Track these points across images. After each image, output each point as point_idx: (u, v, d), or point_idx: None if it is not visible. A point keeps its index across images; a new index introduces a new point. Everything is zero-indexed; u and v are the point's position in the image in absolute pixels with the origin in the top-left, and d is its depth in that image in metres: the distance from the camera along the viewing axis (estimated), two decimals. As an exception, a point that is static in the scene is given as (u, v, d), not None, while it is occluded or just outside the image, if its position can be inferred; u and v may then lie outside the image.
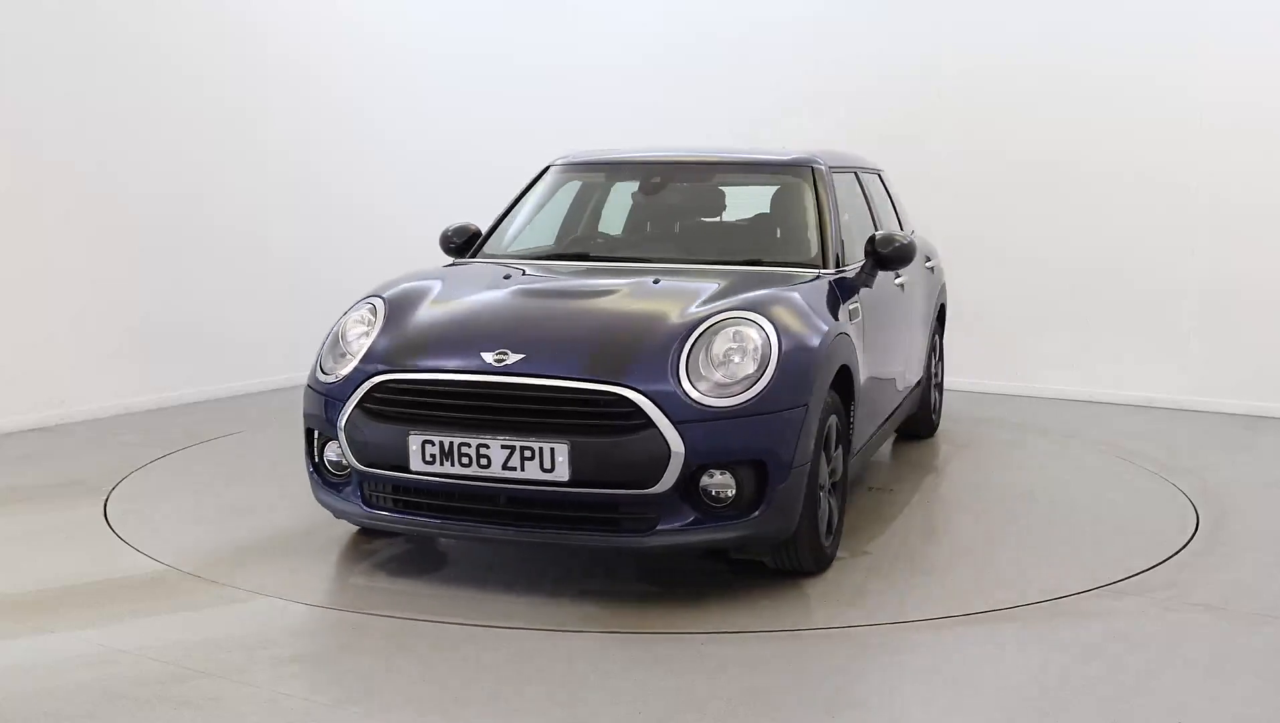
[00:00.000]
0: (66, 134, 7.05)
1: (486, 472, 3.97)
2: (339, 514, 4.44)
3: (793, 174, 5.38)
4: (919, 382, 6.33)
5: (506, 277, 4.82)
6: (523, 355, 4.03)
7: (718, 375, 4.00)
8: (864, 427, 4.98)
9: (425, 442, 4.01)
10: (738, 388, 3.97)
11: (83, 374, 7.15)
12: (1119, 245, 7.85)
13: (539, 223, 5.63)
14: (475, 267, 5.17)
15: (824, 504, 4.33)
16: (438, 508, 4.15)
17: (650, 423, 3.86)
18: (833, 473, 4.45)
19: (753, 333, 4.09)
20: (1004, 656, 3.75)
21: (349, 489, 4.33)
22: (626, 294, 4.54)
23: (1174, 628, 3.99)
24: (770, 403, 3.97)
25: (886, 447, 6.48)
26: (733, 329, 4.09)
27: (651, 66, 9.17)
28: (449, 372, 4.09)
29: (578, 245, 5.52)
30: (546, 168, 5.80)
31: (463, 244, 5.49)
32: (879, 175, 6.41)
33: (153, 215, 7.51)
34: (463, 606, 4.11)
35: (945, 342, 7.17)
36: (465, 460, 3.98)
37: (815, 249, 4.99)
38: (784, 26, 8.78)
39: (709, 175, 5.68)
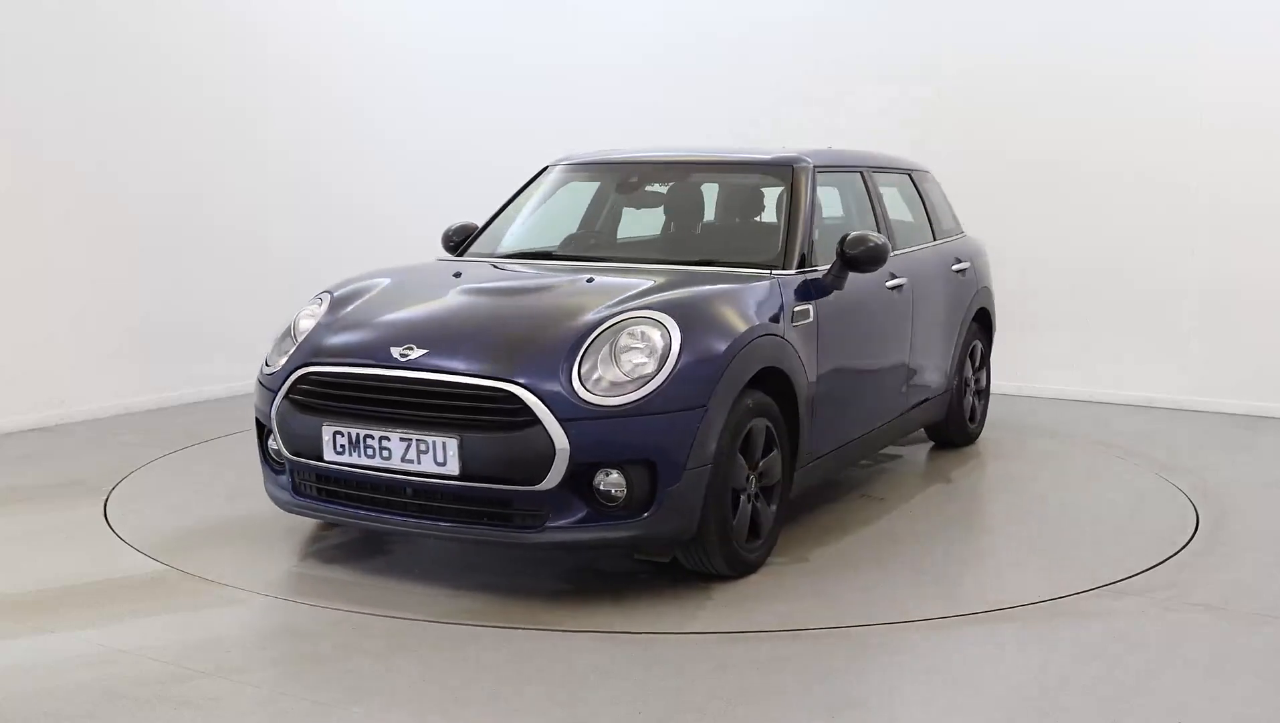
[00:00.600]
0: (66, 134, 7.05)
1: (388, 464, 4.09)
2: (278, 503, 4.57)
3: (769, 174, 5.34)
4: (943, 389, 6.17)
5: (457, 275, 4.90)
6: (426, 351, 4.14)
7: (615, 374, 4.01)
8: (831, 433, 4.91)
9: (336, 432, 4.17)
10: (631, 387, 3.98)
11: (83, 374, 7.15)
12: (1119, 245, 7.85)
13: (530, 222, 5.65)
14: (435, 265, 5.27)
15: (743, 509, 4.28)
16: (353, 498, 4.27)
17: (536, 420, 3.89)
18: (760, 477, 4.38)
19: (655, 333, 4.09)
20: (1004, 656, 3.75)
21: (284, 477, 4.49)
22: (552, 293, 4.60)
23: (1174, 628, 3.99)
24: (662, 403, 3.97)
25: (915, 454, 6.44)
26: (638, 328, 4.11)
27: (651, 66, 9.16)
28: (357, 365, 4.24)
29: (549, 244, 5.54)
30: (544, 169, 5.82)
31: (460, 243, 5.58)
32: (910, 176, 6.37)
33: (153, 215, 7.51)
34: (463, 606, 4.11)
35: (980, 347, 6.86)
36: (370, 452, 4.12)
37: (777, 250, 4.90)
38: (784, 26, 8.78)
39: (686, 175, 5.63)
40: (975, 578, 4.43)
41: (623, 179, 5.72)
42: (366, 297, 4.66)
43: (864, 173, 5.77)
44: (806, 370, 4.64)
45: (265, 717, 3.28)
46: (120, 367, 7.33)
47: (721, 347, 4.16)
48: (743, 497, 4.29)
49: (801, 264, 4.84)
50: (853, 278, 4.99)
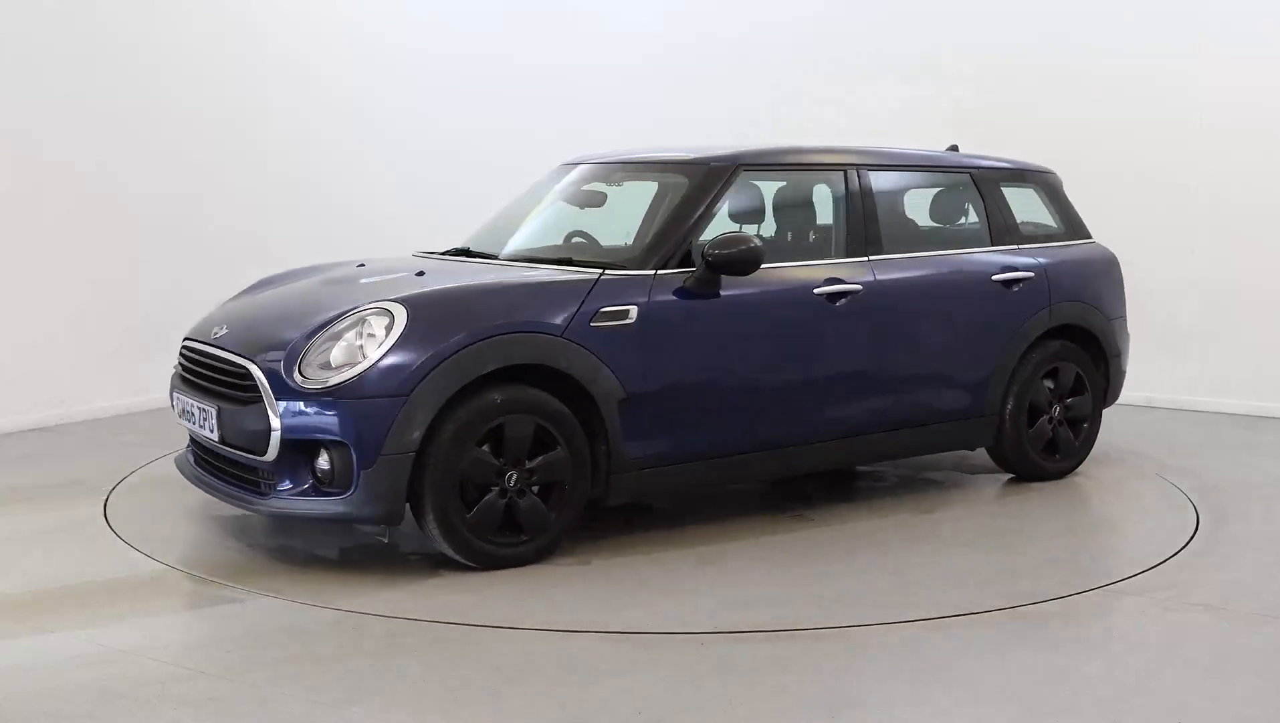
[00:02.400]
0: (66, 134, 7.04)
1: (195, 428, 4.74)
2: (183, 474, 5.04)
3: (681, 174, 5.19)
4: (976, 413, 5.54)
5: (360, 265, 5.25)
6: (227, 331, 4.72)
7: (332, 359, 4.29)
8: (681, 442, 4.75)
9: (179, 398, 4.90)
10: (338, 373, 4.25)
11: (83, 374, 7.15)
12: (1119, 245, 7.81)
13: (498, 220, 5.76)
14: (352, 260, 5.49)
15: (488, 502, 4.37)
16: (203, 461, 4.85)
17: (259, 396, 4.33)
18: (532, 475, 4.42)
19: (381, 323, 4.32)
20: (1004, 656, 3.75)
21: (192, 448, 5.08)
22: (366, 284, 4.85)
23: (1174, 628, 3.99)
24: (362, 389, 4.21)
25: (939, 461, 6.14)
26: (369, 318, 4.35)
27: (651, 66, 9.16)
28: (193, 340, 4.94)
29: (477, 243, 5.58)
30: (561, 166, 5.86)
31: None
32: (971, 176, 5.84)
33: (153, 215, 7.51)
34: (462, 606, 4.11)
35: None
36: (189, 418, 4.78)
37: (639, 250, 4.89)
38: (784, 26, 8.78)
39: (633, 176, 5.60)
40: (975, 578, 4.43)
41: (575, 180, 5.70)
42: (269, 285, 5.28)
43: (852, 172, 5.35)
44: (616, 373, 4.56)
45: (265, 717, 3.28)
46: (120, 367, 7.32)
47: (443, 340, 4.28)
48: (495, 491, 4.38)
49: (668, 265, 4.76)
50: (758, 284, 4.88)
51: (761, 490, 5.69)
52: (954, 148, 6.28)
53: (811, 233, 5.65)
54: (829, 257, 5.29)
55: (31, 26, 6.87)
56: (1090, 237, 6.21)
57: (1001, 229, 5.81)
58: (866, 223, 5.33)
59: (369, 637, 3.86)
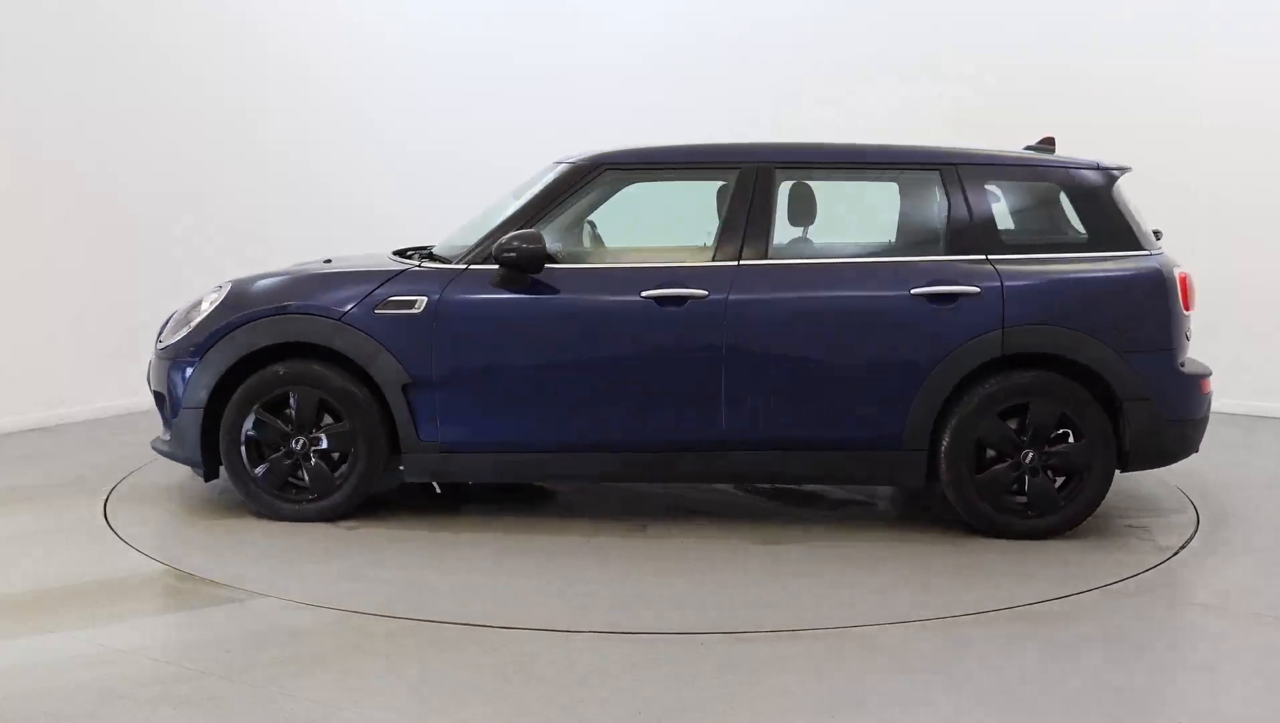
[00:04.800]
0: (66, 134, 7.04)
1: None
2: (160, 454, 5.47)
3: (565, 170, 5.19)
4: (886, 445, 4.88)
5: (327, 261, 5.58)
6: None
7: (176, 325, 5.25)
8: (483, 430, 4.94)
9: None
10: (174, 336, 5.18)
11: (83, 374, 7.15)
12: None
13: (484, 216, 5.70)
14: (348, 254, 5.85)
15: (276, 462, 5.04)
16: None
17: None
18: (316, 442, 5.01)
19: (212, 298, 5.18)
20: (1004, 656, 3.75)
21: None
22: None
23: (1174, 628, 3.99)
24: (176, 352, 5.12)
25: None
26: (212, 293, 5.22)
27: (651, 66, 9.16)
28: None
29: (456, 236, 5.61)
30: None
31: None
32: (943, 172, 5.06)
33: (153, 215, 7.51)
34: (463, 606, 4.11)
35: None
36: None
37: (466, 245, 5.13)
38: (784, 26, 8.78)
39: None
40: (975, 578, 4.43)
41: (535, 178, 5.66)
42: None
43: (753, 171, 5.02)
44: (399, 358, 4.92)
45: (265, 717, 3.28)
46: (120, 367, 7.31)
47: (234, 315, 5.04)
48: (282, 452, 5.05)
49: (486, 261, 4.95)
50: (579, 284, 4.95)
51: (764, 492, 5.69)
52: (1049, 141, 5.52)
53: (682, 235, 5.50)
54: (703, 260, 4.99)
55: (31, 26, 6.87)
56: (1143, 248, 5.02)
57: (964, 234, 4.98)
58: (748, 225, 4.97)
59: (369, 637, 3.86)
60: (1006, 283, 4.88)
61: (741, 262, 4.94)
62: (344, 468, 5.03)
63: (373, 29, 8.92)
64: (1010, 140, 8.09)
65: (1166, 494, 5.64)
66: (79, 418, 7.08)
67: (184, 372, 5.07)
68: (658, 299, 4.88)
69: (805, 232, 5.41)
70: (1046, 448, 4.87)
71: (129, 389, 7.33)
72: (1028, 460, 4.86)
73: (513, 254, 4.83)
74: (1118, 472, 4.98)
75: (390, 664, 3.64)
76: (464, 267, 5.00)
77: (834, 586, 4.36)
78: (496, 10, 9.52)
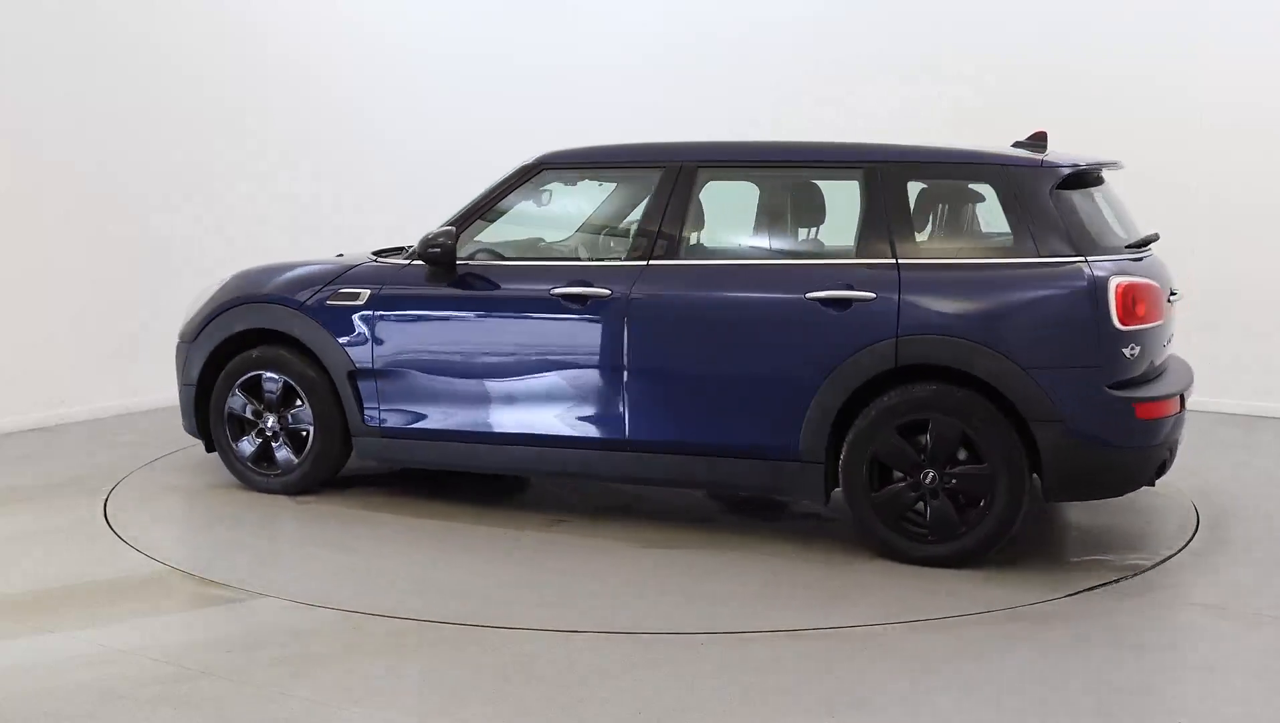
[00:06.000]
0: (66, 134, 7.04)
1: None
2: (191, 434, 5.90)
3: (508, 172, 5.32)
4: (771, 454, 4.70)
5: (339, 256, 5.78)
6: None
7: (189, 311, 5.74)
8: (424, 417, 5.19)
9: None
10: (182, 321, 5.77)
11: (83, 374, 7.15)
12: (1119, 245, 7.85)
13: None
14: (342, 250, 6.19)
15: (252, 440, 5.50)
16: None
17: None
18: (283, 422, 5.48)
19: (216, 285, 5.70)
20: (1004, 656, 3.75)
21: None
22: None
23: (1174, 628, 3.99)
24: (184, 334, 5.70)
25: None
26: (220, 281, 5.70)
27: (651, 66, 9.16)
28: None
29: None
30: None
31: None
32: (866, 171, 4.77)
33: (153, 215, 7.51)
34: (463, 606, 4.11)
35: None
36: None
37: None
38: (784, 26, 8.78)
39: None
40: (976, 578, 4.43)
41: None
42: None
43: (674, 170, 4.95)
44: (345, 347, 5.28)
45: (265, 717, 3.28)
46: (120, 367, 7.32)
47: (220, 302, 5.57)
48: (254, 431, 5.51)
49: (428, 258, 5.13)
50: (497, 280, 5.12)
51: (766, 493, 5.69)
52: (1040, 136, 5.10)
53: (606, 235, 5.49)
54: (619, 259, 5.02)
55: (31, 26, 6.86)
56: (1078, 254, 4.49)
57: (876, 236, 4.69)
58: (662, 224, 4.91)
59: (369, 637, 3.86)
60: (905, 290, 4.54)
61: (650, 261, 4.90)
62: (306, 448, 5.43)
63: (373, 29, 8.92)
64: (1011, 140, 8.12)
65: (1167, 494, 5.64)
66: (79, 418, 7.08)
67: (186, 352, 5.65)
68: (565, 297, 4.94)
69: (813, 233, 5.27)
70: (947, 469, 4.50)
71: (129, 389, 7.35)
72: (928, 481, 4.51)
73: (436, 250, 5.09)
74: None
75: (390, 664, 3.64)
76: (406, 262, 5.31)
77: (833, 585, 4.35)
78: (496, 10, 9.52)
